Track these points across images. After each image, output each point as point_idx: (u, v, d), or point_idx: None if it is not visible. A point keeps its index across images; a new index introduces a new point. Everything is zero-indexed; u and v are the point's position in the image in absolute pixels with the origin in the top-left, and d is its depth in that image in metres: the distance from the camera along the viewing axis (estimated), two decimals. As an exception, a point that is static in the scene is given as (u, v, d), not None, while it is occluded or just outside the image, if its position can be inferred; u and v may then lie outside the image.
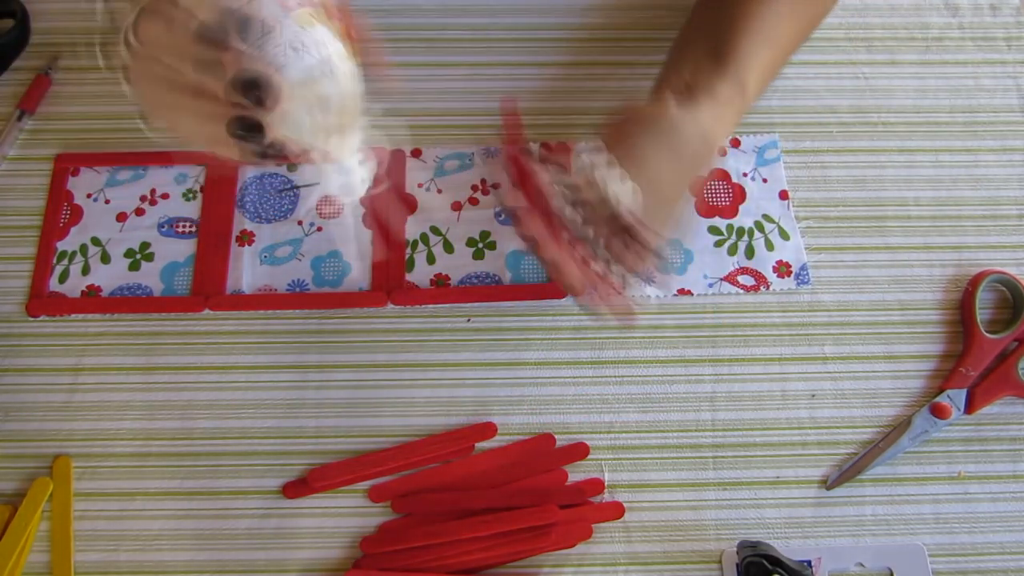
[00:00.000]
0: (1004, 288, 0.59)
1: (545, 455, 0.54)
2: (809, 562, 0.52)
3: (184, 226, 0.60)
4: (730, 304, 0.58)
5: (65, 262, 0.59)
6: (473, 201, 0.61)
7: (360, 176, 0.49)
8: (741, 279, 0.59)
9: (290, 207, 0.61)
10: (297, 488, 0.53)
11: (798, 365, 0.57)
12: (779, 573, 0.47)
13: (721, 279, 0.59)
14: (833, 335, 0.58)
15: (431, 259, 0.59)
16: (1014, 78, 0.66)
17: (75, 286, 0.58)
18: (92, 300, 0.58)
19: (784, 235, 0.60)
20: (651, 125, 0.48)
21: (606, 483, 0.53)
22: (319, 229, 0.60)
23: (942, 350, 0.58)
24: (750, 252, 0.60)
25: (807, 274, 0.59)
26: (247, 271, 0.59)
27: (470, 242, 0.60)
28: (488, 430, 0.55)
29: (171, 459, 0.54)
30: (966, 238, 0.61)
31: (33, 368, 0.56)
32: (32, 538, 0.51)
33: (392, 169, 0.61)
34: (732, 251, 0.60)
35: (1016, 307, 0.58)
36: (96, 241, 0.59)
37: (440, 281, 0.59)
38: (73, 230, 0.60)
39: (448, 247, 0.60)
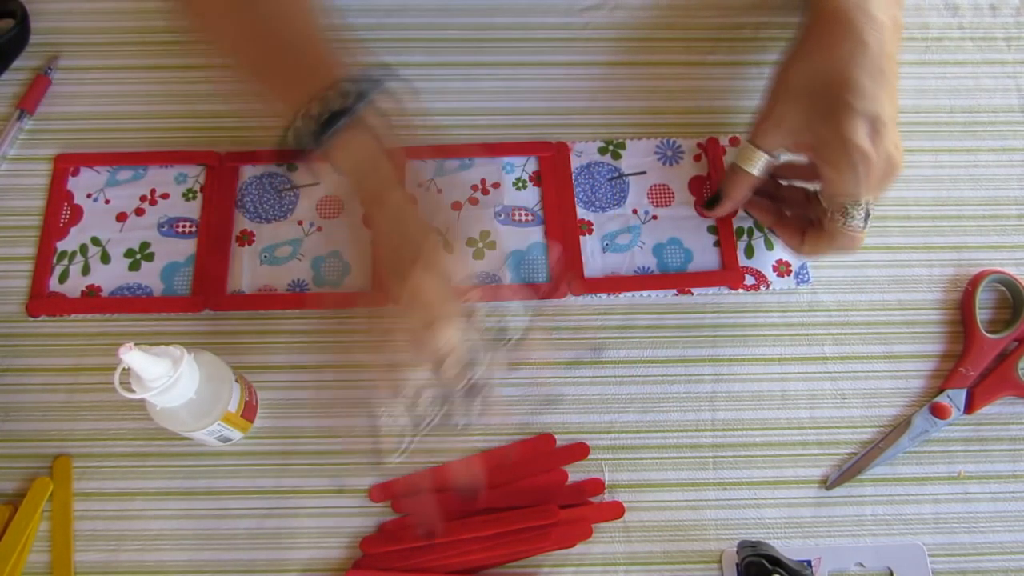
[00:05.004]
0: (1004, 288, 0.59)
1: (545, 455, 0.54)
2: (809, 562, 0.52)
3: (184, 226, 0.60)
4: (730, 304, 0.58)
5: (65, 262, 0.59)
6: (473, 201, 0.61)
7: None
8: (741, 279, 0.59)
9: (290, 207, 0.61)
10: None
11: (798, 365, 0.57)
12: (779, 573, 0.47)
13: (721, 279, 0.59)
14: (833, 335, 0.58)
15: (431, 259, 0.59)
16: (1014, 78, 0.66)
17: (75, 286, 0.58)
18: (92, 300, 0.58)
19: (784, 235, 0.60)
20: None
21: (606, 483, 0.53)
22: (319, 229, 0.60)
23: (942, 350, 0.58)
24: (750, 252, 0.60)
25: (807, 273, 0.59)
26: (247, 271, 0.59)
27: (470, 242, 0.60)
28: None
29: (171, 459, 0.54)
30: (966, 238, 0.61)
31: (33, 368, 0.56)
32: (32, 538, 0.51)
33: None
34: (732, 251, 0.60)
35: (1016, 307, 0.58)
36: (96, 241, 0.59)
37: (440, 281, 0.59)
38: (73, 230, 0.60)
39: (448, 247, 0.60)
